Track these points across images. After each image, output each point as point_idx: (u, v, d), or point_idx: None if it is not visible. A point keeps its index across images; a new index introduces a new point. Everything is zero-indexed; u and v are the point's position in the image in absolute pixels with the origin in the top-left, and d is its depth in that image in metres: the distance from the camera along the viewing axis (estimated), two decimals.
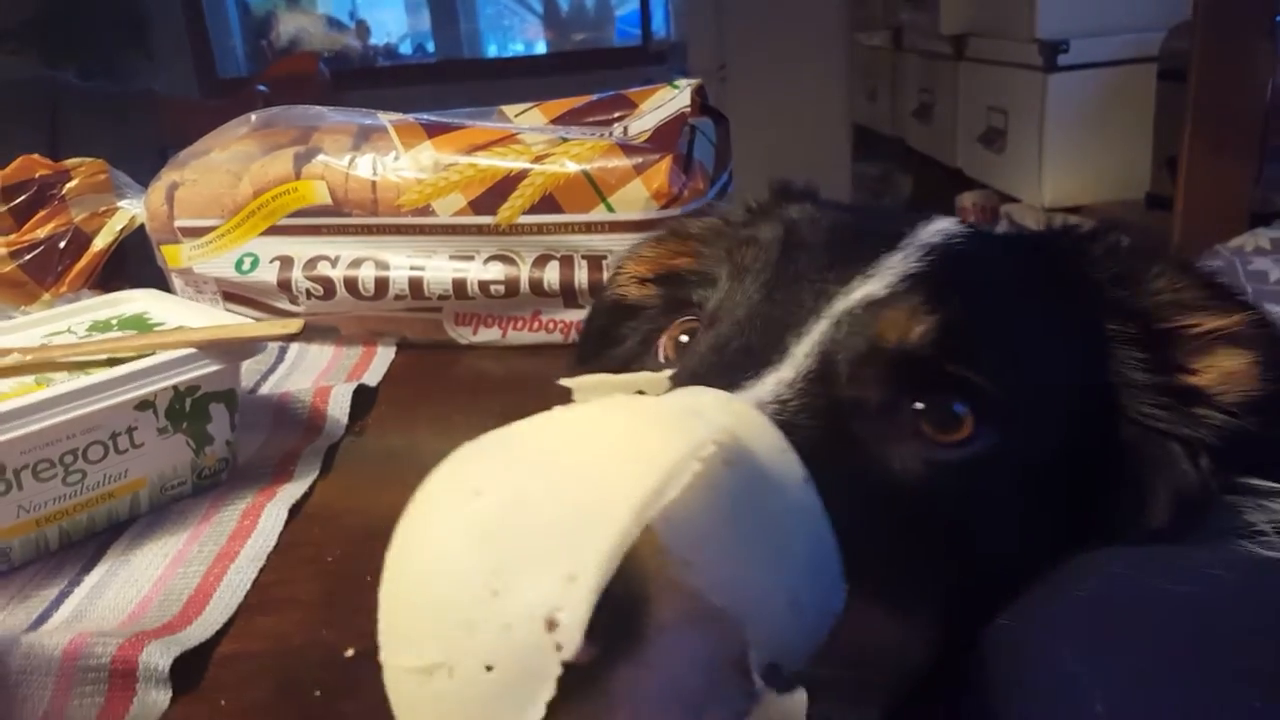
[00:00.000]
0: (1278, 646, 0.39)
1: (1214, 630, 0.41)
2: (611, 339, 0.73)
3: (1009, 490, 0.50)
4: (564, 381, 0.45)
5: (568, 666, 0.31)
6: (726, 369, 0.48)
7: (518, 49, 6.10)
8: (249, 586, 0.70)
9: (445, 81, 5.14)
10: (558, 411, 0.39)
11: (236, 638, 0.65)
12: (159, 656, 0.60)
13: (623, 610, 0.33)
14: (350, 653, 0.60)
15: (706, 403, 0.40)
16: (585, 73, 4.89)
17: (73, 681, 0.59)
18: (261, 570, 0.72)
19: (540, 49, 6.05)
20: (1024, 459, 0.50)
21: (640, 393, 0.43)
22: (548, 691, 0.31)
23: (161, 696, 0.59)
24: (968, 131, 3.31)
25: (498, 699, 0.31)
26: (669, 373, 0.46)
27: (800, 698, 0.34)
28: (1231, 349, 0.54)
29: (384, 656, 0.35)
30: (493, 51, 6.05)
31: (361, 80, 5.05)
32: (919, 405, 0.48)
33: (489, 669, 0.31)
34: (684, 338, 0.58)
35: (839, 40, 4.33)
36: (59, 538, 0.75)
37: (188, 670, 0.61)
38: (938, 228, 0.56)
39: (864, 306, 0.50)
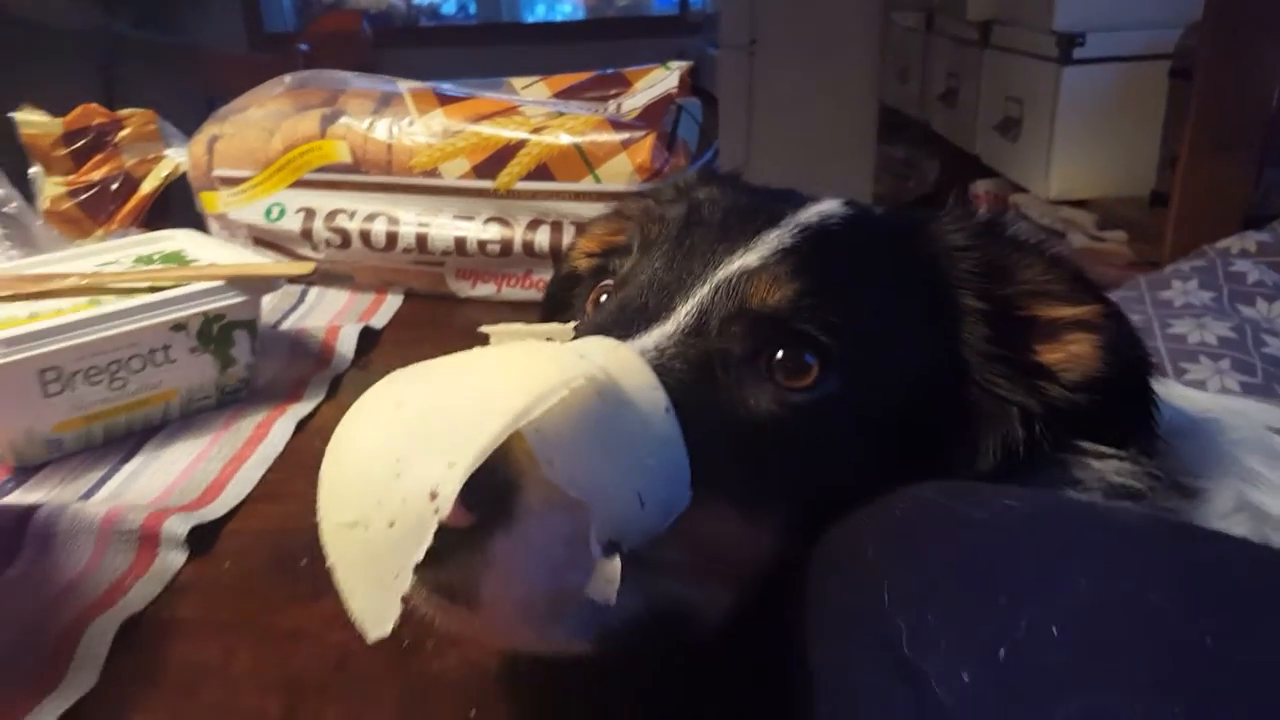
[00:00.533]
0: (1033, 563, 0.48)
1: (987, 545, 0.50)
2: (566, 305, 0.85)
3: (847, 428, 0.61)
4: (484, 328, 0.58)
5: (454, 530, 0.44)
6: (624, 323, 0.60)
7: (565, 10, 6.16)
8: (256, 481, 0.84)
9: (484, 44, 5.24)
10: (475, 350, 0.52)
11: (243, 519, 0.79)
12: (179, 526, 0.74)
13: (499, 494, 0.46)
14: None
15: (594, 348, 0.53)
16: (619, 40, 4.93)
17: (109, 542, 0.73)
18: (268, 470, 0.86)
19: (581, 15, 6.10)
20: (862, 404, 0.61)
21: (549, 339, 0.56)
22: (428, 542, 0.43)
23: (178, 557, 0.73)
24: (987, 119, 3.38)
25: (397, 546, 0.44)
26: (574, 324, 0.59)
27: (615, 563, 0.47)
28: (1081, 334, 0.64)
29: (321, 517, 0.48)
30: (535, 15, 6.12)
31: (403, 40, 5.13)
32: (779, 354, 0.59)
33: (391, 525, 0.44)
34: (603, 298, 0.70)
35: (873, 19, 4.30)
36: (103, 433, 0.90)
37: (202, 539, 0.75)
38: (819, 209, 0.67)
39: (738, 275, 0.61)
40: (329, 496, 0.47)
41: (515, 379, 0.47)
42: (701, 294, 0.61)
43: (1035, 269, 0.65)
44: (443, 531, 0.43)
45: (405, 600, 0.43)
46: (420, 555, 0.42)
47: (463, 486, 0.42)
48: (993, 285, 0.65)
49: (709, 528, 0.55)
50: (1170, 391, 0.74)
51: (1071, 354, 0.64)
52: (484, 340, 0.56)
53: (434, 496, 0.42)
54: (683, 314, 0.60)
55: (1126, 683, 0.41)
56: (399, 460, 0.44)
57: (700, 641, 0.59)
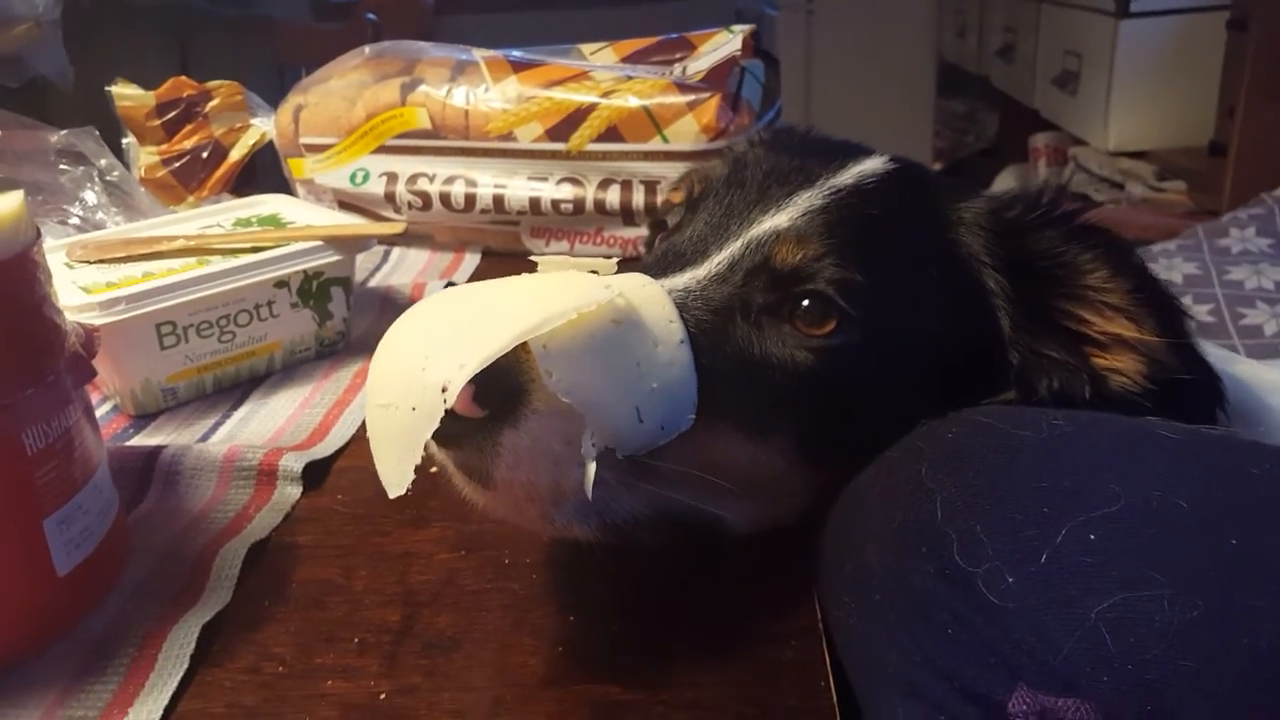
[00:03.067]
0: (1074, 475, 0.52)
1: (1032, 460, 0.54)
2: None
3: (865, 374, 0.66)
4: (534, 257, 0.65)
5: (473, 421, 0.54)
6: (661, 266, 0.67)
7: None
8: (359, 423, 0.90)
9: (543, 7, 5.25)
10: (516, 276, 0.60)
11: (349, 456, 0.86)
12: (294, 462, 0.81)
13: (510, 395, 0.55)
14: (434, 469, 0.80)
15: (624, 282, 0.61)
16: (679, 0, 4.93)
17: (230, 478, 0.81)
18: None
19: None
20: (881, 355, 0.65)
21: (594, 271, 0.63)
22: (436, 424, 0.51)
23: (295, 490, 0.80)
24: (1045, 73, 3.38)
25: (414, 425, 0.52)
26: (616, 260, 0.65)
27: (591, 463, 0.55)
28: (1130, 355, 0.67)
29: (366, 400, 0.57)
30: None
31: (463, 5, 5.17)
32: (804, 304, 0.65)
33: (413, 409, 0.52)
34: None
35: None
36: (214, 383, 0.97)
37: (314, 475, 0.82)
38: (858, 169, 0.72)
39: (768, 234, 0.67)
40: (373, 382, 0.57)
41: (533, 301, 0.55)
42: (733, 248, 0.67)
43: (1100, 273, 0.67)
44: (462, 420, 0.54)
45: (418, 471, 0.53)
46: (429, 434, 0.52)
47: (478, 386, 0.53)
48: (1041, 283, 0.68)
49: (718, 448, 0.63)
50: (1255, 374, 0.77)
51: (1115, 366, 0.67)
52: (534, 267, 0.65)
53: (444, 390, 0.51)
54: (714, 263, 0.66)
55: (1155, 579, 0.46)
56: (426, 358, 0.53)
57: (731, 544, 0.67)
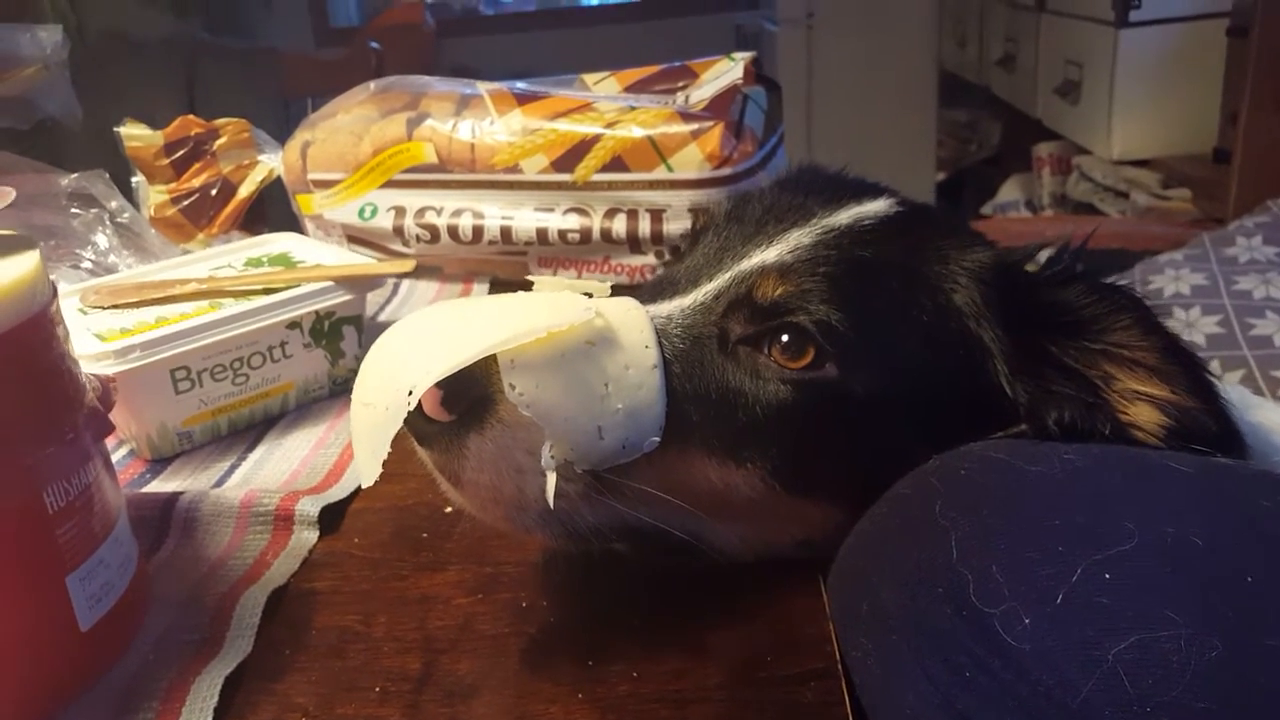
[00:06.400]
0: (1086, 513, 0.52)
1: (1045, 497, 0.55)
2: None
3: (844, 410, 0.66)
4: (531, 277, 0.68)
5: (443, 424, 0.60)
6: (652, 292, 0.71)
7: None
8: None
9: (545, 29, 5.27)
10: (510, 294, 0.64)
11: (365, 498, 0.86)
12: (310, 506, 0.82)
13: (478, 403, 0.60)
14: (449, 510, 0.81)
15: (608, 305, 0.64)
16: (680, 18, 4.94)
17: (247, 523, 0.81)
18: None
19: None
20: (862, 393, 0.66)
21: (587, 294, 0.66)
22: (399, 425, 0.57)
23: (311, 535, 0.81)
24: (1047, 82, 3.38)
25: (384, 423, 0.57)
26: (611, 283, 0.67)
27: (551, 475, 0.59)
28: (1154, 410, 0.66)
29: (353, 397, 0.62)
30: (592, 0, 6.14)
31: (464, 29, 5.18)
32: (784, 338, 0.66)
33: (386, 409, 0.57)
34: None
35: None
36: (228, 425, 0.98)
37: (330, 518, 0.83)
38: (856, 210, 0.72)
39: (754, 268, 0.69)
40: (359, 381, 0.61)
41: (510, 318, 0.59)
42: (721, 280, 0.69)
43: (1131, 332, 0.67)
44: (432, 422, 0.61)
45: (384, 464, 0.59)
46: (394, 431, 0.57)
47: (446, 391, 0.59)
48: (1057, 334, 0.68)
49: (687, 471, 0.65)
50: (1273, 420, 0.77)
51: (1135, 421, 0.66)
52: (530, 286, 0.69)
53: (410, 393, 0.56)
54: (701, 293, 0.69)
55: (1172, 619, 0.46)
56: (402, 363, 0.58)
57: (713, 562, 0.69)
